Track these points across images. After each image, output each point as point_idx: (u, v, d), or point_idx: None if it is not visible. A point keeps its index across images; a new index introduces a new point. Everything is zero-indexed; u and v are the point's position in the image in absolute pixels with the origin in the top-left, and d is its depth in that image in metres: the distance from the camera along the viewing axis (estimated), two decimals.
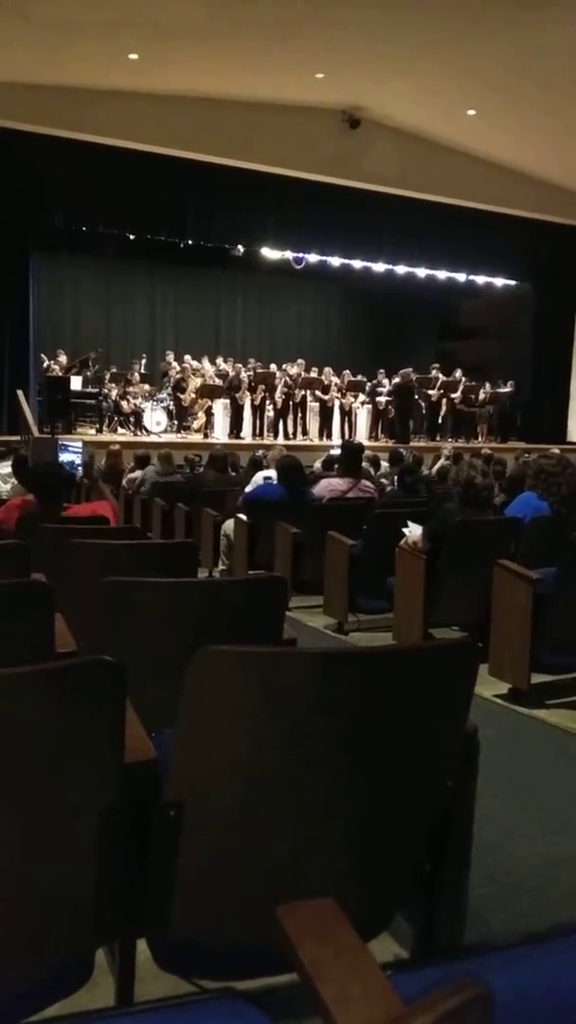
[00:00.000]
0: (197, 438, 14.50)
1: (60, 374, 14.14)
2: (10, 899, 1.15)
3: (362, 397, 16.14)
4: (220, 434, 14.90)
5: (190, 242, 15.63)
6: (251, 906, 1.19)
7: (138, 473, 9.14)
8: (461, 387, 16.43)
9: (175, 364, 15.23)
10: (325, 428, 15.73)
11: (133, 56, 11.93)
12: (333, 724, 1.24)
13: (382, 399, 16.02)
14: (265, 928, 1.03)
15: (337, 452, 10.55)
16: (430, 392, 16.06)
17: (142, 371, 15.46)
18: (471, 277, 17.81)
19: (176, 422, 14.97)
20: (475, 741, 1.49)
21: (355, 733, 1.26)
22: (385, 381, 16.07)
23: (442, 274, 17.46)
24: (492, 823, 2.26)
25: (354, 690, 1.24)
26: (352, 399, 16.01)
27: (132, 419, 14.76)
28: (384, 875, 1.40)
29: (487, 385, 17.03)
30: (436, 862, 1.44)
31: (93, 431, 14.38)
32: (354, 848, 1.33)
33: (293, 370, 15.53)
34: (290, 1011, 1.11)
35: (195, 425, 15.05)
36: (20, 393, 12.75)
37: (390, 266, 16.93)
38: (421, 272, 17.23)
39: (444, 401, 16.33)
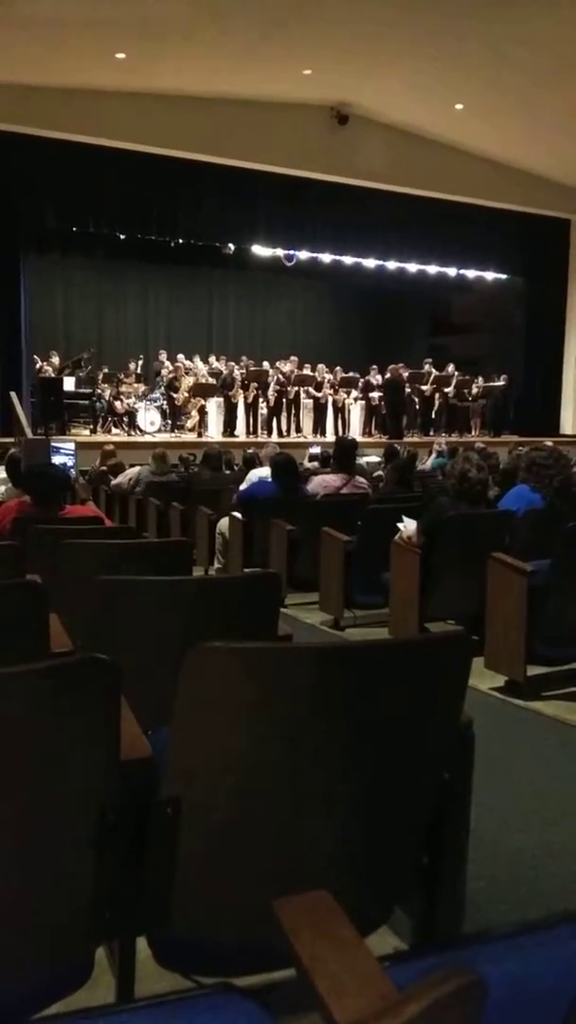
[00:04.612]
0: (191, 437, 14.49)
1: (53, 375, 14.12)
2: (8, 898, 1.15)
3: (355, 393, 16.15)
4: (214, 432, 14.89)
5: (181, 241, 15.63)
6: (250, 901, 1.19)
7: (122, 478, 9.12)
8: (454, 381, 16.45)
9: (168, 363, 15.23)
10: (319, 425, 15.73)
11: (120, 55, 11.91)
12: (328, 718, 1.25)
13: (375, 395, 16.03)
14: (264, 923, 1.03)
15: (317, 450, 10.57)
16: (423, 387, 16.08)
17: (136, 371, 15.46)
18: (462, 271, 17.82)
19: (170, 421, 14.96)
20: (470, 733, 1.50)
21: (350, 727, 1.26)
22: (377, 377, 16.09)
23: (433, 269, 17.46)
24: (490, 815, 2.27)
25: (348, 684, 1.25)
26: (345, 395, 16.02)
27: (126, 419, 14.75)
28: (382, 868, 1.40)
29: (480, 379, 17.05)
30: (433, 854, 1.44)
31: (87, 432, 14.37)
32: (351, 842, 1.33)
33: (286, 367, 15.52)
34: (289, 1006, 1.12)
35: (189, 424, 15.05)
36: (13, 395, 12.73)
37: (381, 261, 16.93)
38: (412, 267, 17.24)
39: (437, 396, 16.35)
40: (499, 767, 2.71)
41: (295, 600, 5.31)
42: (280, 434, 15.02)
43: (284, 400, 15.44)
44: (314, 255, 16.77)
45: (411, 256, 16.92)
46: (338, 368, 16.14)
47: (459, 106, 14.00)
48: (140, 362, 15.69)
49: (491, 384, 17.05)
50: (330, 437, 14.29)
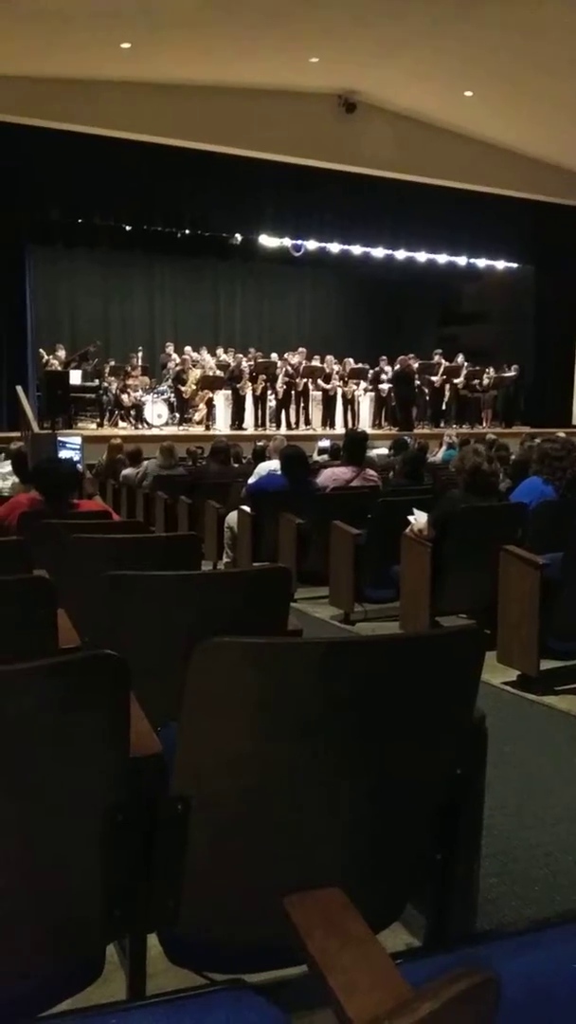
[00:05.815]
0: (199, 430, 14.48)
1: (59, 368, 14.09)
2: (18, 896, 1.15)
3: (364, 385, 16.10)
4: (222, 425, 14.87)
5: (187, 232, 15.59)
6: (260, 898, 1.19)
7: (131, 470, 9.11)
8: (464, 372, 16.37)
9: (175, 356, 15.20)
10: (328, 417, 15.70)
11: (126, 45, 11.87)
12: (339, 714, 1.23)
13: (384, 386, 15.97)
14: (275, 920, 1.03)
15: (326, 442, 10.56)
16: (433, 378, 16.01)
17: (142, 363, 15.44)
18: (472, 260, 17.72)
19: (177, 414, 14.94)
20: (483, 728, 1.48)
21: (362, 723, 1.25)
22: (387, 368, 16.02)
23: (443, 258, 17.37)
24: (502, 811, 2.26)
25: (360, 680, 1.23)
26: (354, 387, 15.96)
27: (133, 412, 14.74)
28: (393, 865, 1.39)
29: (490, 370, 16.96)
30: (446, 851, 1.43)
31: (94, 425, 14.38)
32: (363, 838, 1.32)
33: (294, 359, 15.48)
34: (301, 1002, 1.11)
35: (196, 417, 15.02)
36: (19, 389, 12.74)
37: (390, 251, 16.84)
38: (421, 256, 17.15)
39: (447, 387, 16.28)
40: (512, 762, 2.69)
41: (305, 594, 5.30)
42: (289, 427, 14.99)
43: (293, 392, 15.40)
44: (322, 245, 16.69)
45: (420, 245, 16.83)
46: (347, 359, 16.08)
47: (469, 93, 13.90)
48: (140, 354, 15.62)
49: (502, 375, 16.96)
50: (339, 429, 14.26)
